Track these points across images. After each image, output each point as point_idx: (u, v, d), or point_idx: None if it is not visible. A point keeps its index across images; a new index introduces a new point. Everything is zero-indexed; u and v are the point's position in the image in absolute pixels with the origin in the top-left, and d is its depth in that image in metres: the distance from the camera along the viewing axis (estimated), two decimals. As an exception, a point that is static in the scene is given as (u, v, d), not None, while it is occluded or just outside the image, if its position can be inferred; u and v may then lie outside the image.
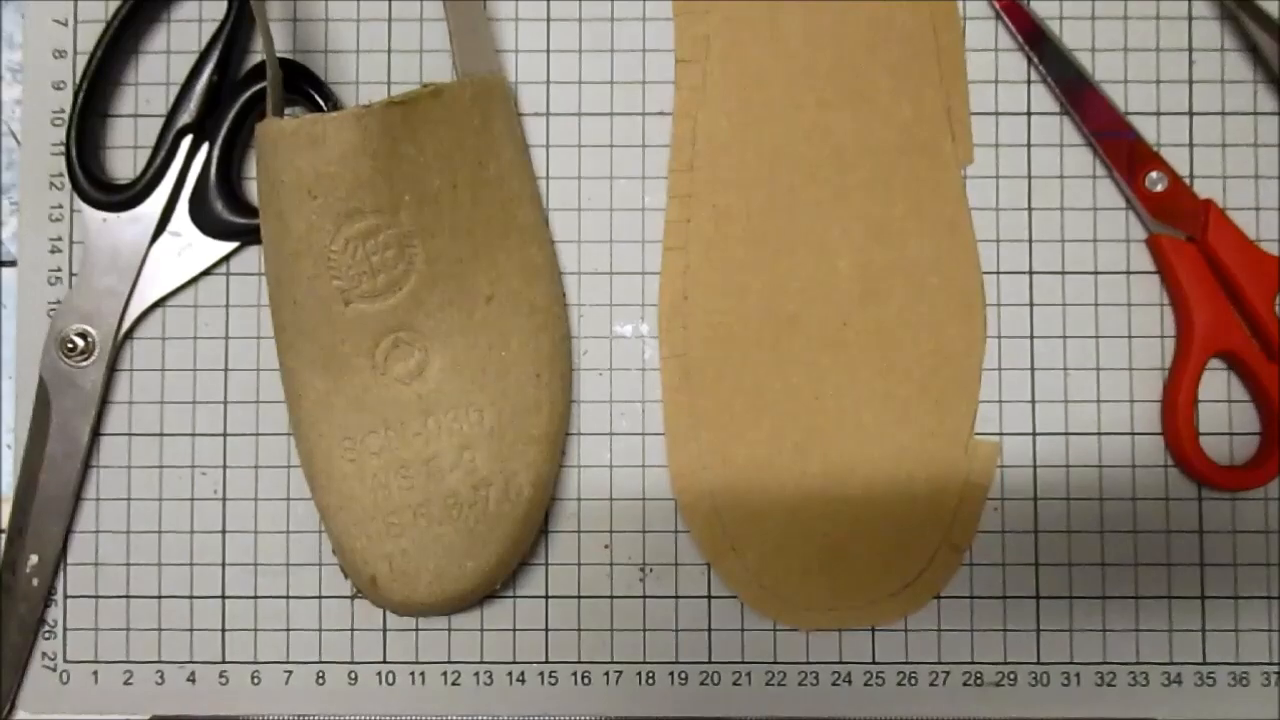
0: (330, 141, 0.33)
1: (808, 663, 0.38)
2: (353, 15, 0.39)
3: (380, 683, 0.38)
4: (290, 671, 0.39)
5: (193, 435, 0.39)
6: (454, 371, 0.36)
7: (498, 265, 0.36)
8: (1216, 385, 0.39)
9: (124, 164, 0.39)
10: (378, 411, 0.35)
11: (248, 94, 0.38)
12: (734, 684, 0.38)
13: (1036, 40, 0.39)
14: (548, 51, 0.39)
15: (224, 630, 0.39)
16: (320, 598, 0.39)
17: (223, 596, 0.39)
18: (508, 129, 0.37)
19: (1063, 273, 0.39)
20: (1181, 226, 0.38)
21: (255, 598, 0.39)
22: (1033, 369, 0.39)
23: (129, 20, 0.38)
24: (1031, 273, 0.39)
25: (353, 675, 0.38)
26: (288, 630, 0.39)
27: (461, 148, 0.35)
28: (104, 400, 0.38)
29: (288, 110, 0.38)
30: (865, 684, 0.38)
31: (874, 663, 0.38)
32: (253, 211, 0.38)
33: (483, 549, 0.36)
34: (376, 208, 0.34)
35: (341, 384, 0.35)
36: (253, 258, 0.39)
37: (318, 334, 0.35)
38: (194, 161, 0.38)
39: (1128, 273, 0.39)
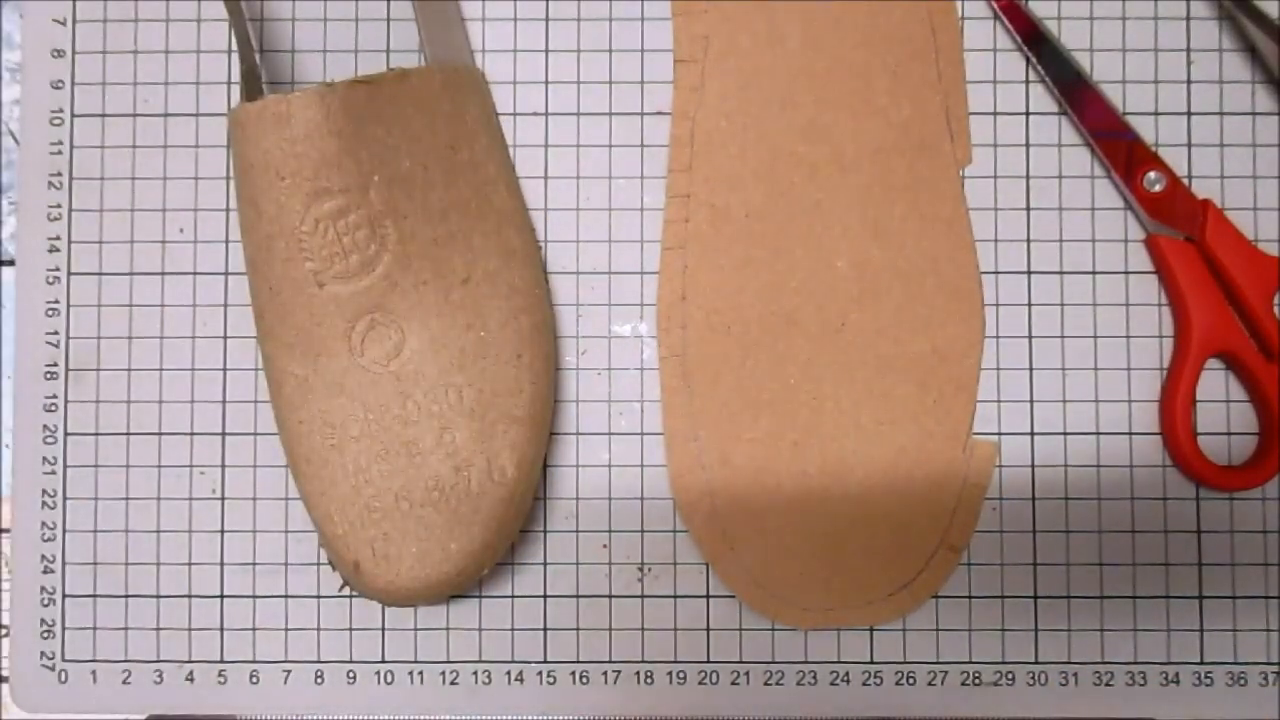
0: (295, 120, 0.33)
1: (806, 662, 0.38)
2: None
3: (379, 682, 0.38)
4: (289, 671, 0.39)
5: (191, 435, 0.39)
6: (431, 352, 0.36)
7: (474, 247, 0.36)
8: (1215, 385, 0.39)
9: (123, 163, 0.39)
10: (356, 395, 0.35)
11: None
12: (732, 683, 0.38)
13: (1035, 40, 0.39)
14: (546, 51, 0.39)
15: (222, 630, 0.39)
16: (319, 597, 0.39)
17: (221, 596, 0.39)
18: (482, 117, 0.37)
19: (1061, 273, 0.39)
20: (1180, 227, 0.38)
21: (253, 597, 0.39)
22: (1031, 369, 0.39)
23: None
24: (1030, 273, 0.39)
25: (351, 675, 0.38)
26: (286, 630, 0.39)
27: (432, 131, 0.35)
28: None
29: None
30: (863, 684, 0.38)
31: (872, 662, 0.38)
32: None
33: (465, 531, 0.35)
34: (344, 187, 0.34)
35: (319, 368, 0.35)
36: (251, 257, 0.39)
37: (294, 318, 0.35)
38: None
39: (1126, 273, 0.39)
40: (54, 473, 0.39)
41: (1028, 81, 0.39)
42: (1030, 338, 0.39)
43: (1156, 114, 0.39)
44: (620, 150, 0.39)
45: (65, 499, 0.39)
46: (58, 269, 0.39)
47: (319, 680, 0.38)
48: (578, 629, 0.38)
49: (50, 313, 0.39)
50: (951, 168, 0.39)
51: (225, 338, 0.39)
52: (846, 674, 0.38)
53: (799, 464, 0.38)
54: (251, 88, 0.36)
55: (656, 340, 0.39)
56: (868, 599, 0.38)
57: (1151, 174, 0.38)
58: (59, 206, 0.39)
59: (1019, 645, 0.38)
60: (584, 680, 0.38)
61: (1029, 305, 0.39)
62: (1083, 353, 0.39)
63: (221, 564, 0.39)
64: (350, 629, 0.39)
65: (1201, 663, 0.38)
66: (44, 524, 0.39)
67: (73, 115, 0.39)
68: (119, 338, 0.39)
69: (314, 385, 0.35)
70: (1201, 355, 0.38)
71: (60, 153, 0.39)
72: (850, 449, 0.38)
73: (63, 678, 0.39)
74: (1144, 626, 0.38)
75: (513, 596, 0.39)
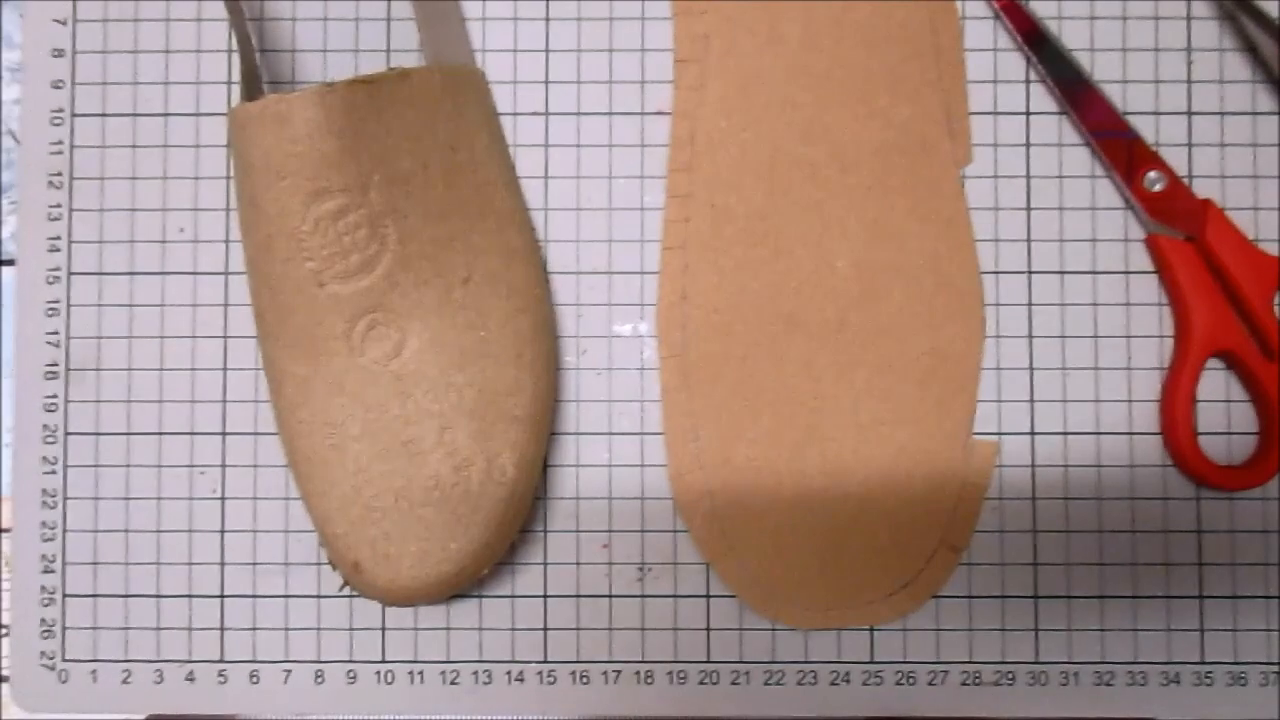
0: (295, 120, 0.33)
1: (806, 662, 0.38)
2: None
3: (379, 682, 0.38)
4: (289, 671, 0.39)
5: (191, 435, 0.39)
6: (432, 351, 0.36)
7: (474, 247, 0.36)
8: (1215, 385, 0.39)
9: (123, 163, 0.39)
10: (357, 395, 0.35)
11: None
12: (733, 683, 0.38)
13: (1035, 40, 0.39)
14: (547, 51, 0.39)
15: (222, 629, 0.39)
16: (319, 597, 0.39)
17: (221, 596, 0.39)
18: (482, 117, 0.37)
19: (1061, 272, 0.39)
20: (1180, 226, 0.38)
21: (254, 597, 0.39)
22: (1031, 369, 0.39)
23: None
24: (1030, 272, 0.39)
25: (351, 674, 0.38)
26: (286, 630, 0.39)
27: (432, 131, 0.35)
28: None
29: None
30: (864, 684, 0.38)
31: (872, 662, 0.38)
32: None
33: (465, 530, 0.35)
34: (344, 186, 0.34)
35: (320, 368, 0.35)
36: (252, 257, 0.39)
37: (294, 318, 0.35)
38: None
39: (1126, 273, 0.39)
40: (54, 473, 0.39)
41: (1028, 81, 0.39)
42: (1030, 338, 0.39)
43: (1157, 114, 0.39)
44: (620, 150, 0.39)
45: (65, 499, 0.39)
46: (58, 269, 0.39)
47: (319, 680, 0.38)
48: (578, 629, 0.38)
49: (50, 313, 0.39)
50: (951, 168, 0.39)
51: (225, 338, 0.39)
52: (846, 674, 0.38)
53: (799, 464, 0.38)
54: (251, 88, 0.36)
55: (656, 340, 0.39)
56: (868, 599, 0.38)
57: (1152, 174, 0.38)
58: (59, 206, 0.39)
59: (1019, 645, 0.38)
60: (584, 680, 0.38)
61: (1029, 305, 0.39)
62: (1083, 353, 0.39)
63: (221, 564, 0.39)
64: (350, 629, 0.39)
65: (1202, 663, 0.38)
66: (44, 524, 0.39)
67: (73, 115, 0.39)
68: (119, 338, 0.39)
69: (314, 385, 0.35)
70: (1201, 355, 0.38)
71: (60, 153, 0.39)
72: (850, 449, 0.38)
73: (63, 678, 0.39)
74: (1144, 626, 0.38)
75: (513, 596, 0.39)
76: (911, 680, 0.38)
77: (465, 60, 0.38)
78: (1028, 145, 0.39)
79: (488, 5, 0.39)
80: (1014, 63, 0.39)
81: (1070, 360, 0.39)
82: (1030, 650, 0.38)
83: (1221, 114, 0.39)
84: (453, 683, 0.38)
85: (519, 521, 0.37)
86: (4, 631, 0.40)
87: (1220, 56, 0.39)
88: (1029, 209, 0.39)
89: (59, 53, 0.39)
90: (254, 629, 0.39)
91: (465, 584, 0.36)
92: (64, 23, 0.39)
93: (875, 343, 0.38)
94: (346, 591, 0.39)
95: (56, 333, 0.39)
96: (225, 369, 0.39)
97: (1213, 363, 0.39)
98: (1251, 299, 0.37)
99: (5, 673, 0.39)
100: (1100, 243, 0.39)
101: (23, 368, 0.39)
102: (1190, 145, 0.39)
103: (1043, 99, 0.39)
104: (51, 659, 0.39)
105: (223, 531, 0.39)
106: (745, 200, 0.38)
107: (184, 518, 0.39)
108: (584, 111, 0.39)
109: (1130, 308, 0.39)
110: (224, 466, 0.39)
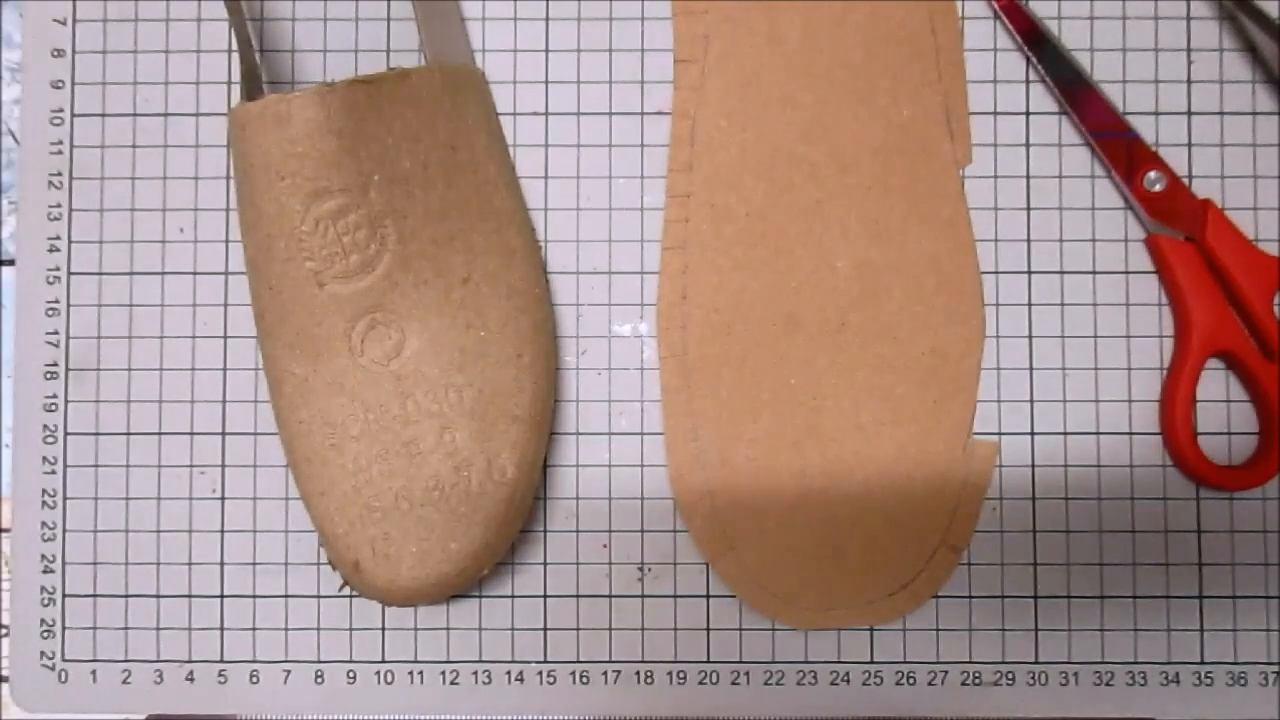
0: (295, 120, 0.33)
1: (806, 662, 0.38)
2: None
3: (379, 682, 0.39)
4: (289, 671, 0.39)
5: (191, 434, 0.39)
6: (431, 351, 0.36)
7: (474, 247, 0.36)
8: (1215, 385, 0.39)
9: (123, 163, 0.39)
10: (357, 395, 0.35)
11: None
12: (732, 683, 0.38)
13: (1035, 40, 0.39)
14: (546, 51, 0.39)
15: (222, 629, 0.39)
16: (319, 597, 0.39)
17: (221, 596, 0.39)
18: (482, 116, 0.37)
19: (1061, 273, 0.39)
20: (1180, 226, 0.38)
21: (254, 597, 0.39)
22: (1031, 369, 0.39)
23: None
24: (1030, 273, 0.39)
25: (351, 674, 0.38)
26: (286, 630, 0.39)
27: (431, 131, 0.35)
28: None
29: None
30: (864, 684, 0.38)
31: (872, 662, 0.38)
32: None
33: (466, 530, 0.35)
34: (344, 186, 0.34)
35: (320, 368, 0.35)
36: (251, 257, 0.39)
37: (294, 318, 0.35)
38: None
39: (1126, 273, 0.39)
40: (54, 473, 0.39)
41: (1028, 81, 0.39)
42: (1030, 338, 0.39)
43: (1157, 114, 0.39)
44: (620, 150, 0.39)
45: (65, 499, 0.39)
46: (58, 269, 0.39)
47: (319, 680, 0.38)
48: (578, 629, 0.38)
49: (50, 313, 0.39)
50: (951, 168, 0.39)
51: (225, 338, 0.39)
52: (846, 674, 0.38)
53: (799, 464, 0.38)
54: (251, 88, 0.36)
55: (656, 340, 0.39)
56: (868, 599, 0.38)
57: (1152, 174, 0.38)
58: (59, 206, 0.39)
59: (1019, 645, 0.38)
60: (584, 680, 0.38)
61: (1029, 305, 0.39)
62: (1083, 353, 0.39)
63: (221, 564, 0.39)
64: (350, 629, 0.39)
65: (1201, 663, 0.38)
66: (44, 524, 0.39)
67: (73, 115, 0.39)
68: (119, 338, 0.39)
69: (314, 385, 0.35)
70: (1201, 355, 0.38)
71: (60, 153, 0.39)
72: (850, 449, 0.38)
73: (63, 678, 0.39)
74: (1144, 626, 0.38)
75: (513, 596, 0.39)
76: (911, 680, 0.38)
77: (465, 60, 0.39)
78: (1028, 145, 0.39)
79: (488, 5, 0.39)
80: (1014, 63, 0.39)
81: (1070, 360, 0.39)
82: (1030, 650, 0.38)
83: (1221, 114, 0.39)
84: (452, 683, 0.38)
85: (519, 521, 0.37)
86: (4, 631, 0.40)
87: (1220, 56, 0.39)
88: (1029, 209, 0.39)
89: (59, 53, 0.39)
90: (254, 629, 0.39)
91: (465, 584, 0.36)
92: (64, 23, 0.39)
93: (875, 343, 0.38)
94: (346, 591, 0.39)
95: (56, 333, 0.39)
96: (225, 369, 0.39)
97: (1213, 363, 0.39)
98: (1251, 299, 0.37)
99: (5, 673, 0.39)
100: (1100, 243, 0.39)
101: (23, 368, 0.39)
102: (1190, 145, 0.39)
103: (1043, 99, 0.39)
104: (51, 659, 0.39)
105: (223, 531, 0.39)
106: (745, 200, 0.38)
107: (184, 518, 0.39)
108: (584, 111, 0.39)
109: (1130, 308, 0.39)
110: (224, 466, 0.39)
